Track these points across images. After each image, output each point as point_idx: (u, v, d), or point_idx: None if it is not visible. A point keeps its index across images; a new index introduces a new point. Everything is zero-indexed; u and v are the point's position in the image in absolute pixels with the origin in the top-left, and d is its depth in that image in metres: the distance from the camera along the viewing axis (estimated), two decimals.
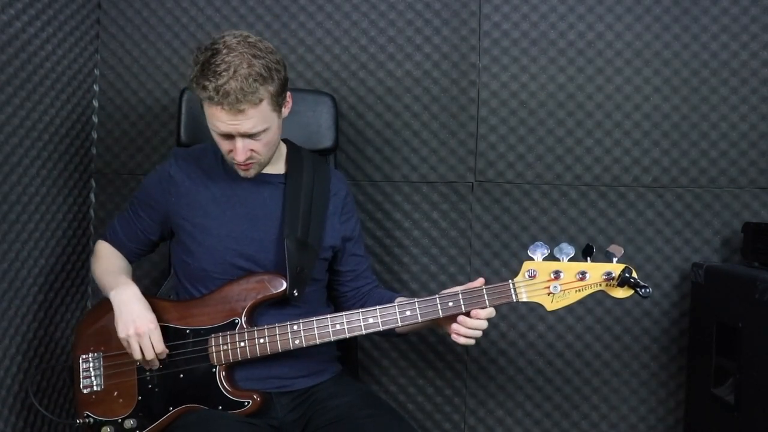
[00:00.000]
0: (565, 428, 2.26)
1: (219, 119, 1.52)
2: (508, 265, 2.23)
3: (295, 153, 1.76)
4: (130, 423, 1.58)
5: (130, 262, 1.80)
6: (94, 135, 2.26)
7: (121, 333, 1.56)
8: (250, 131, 1.54)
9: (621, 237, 2.21)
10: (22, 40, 1.81)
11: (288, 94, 1.61)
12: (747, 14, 2.16)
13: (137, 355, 1.56)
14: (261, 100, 1.51)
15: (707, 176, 2.20)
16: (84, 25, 2.16)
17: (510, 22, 2.20)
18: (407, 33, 2.22)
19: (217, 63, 1.48)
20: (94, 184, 2.27)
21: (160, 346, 1.57)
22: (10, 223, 1.80)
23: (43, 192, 1.94)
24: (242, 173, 1.64)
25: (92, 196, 2.26)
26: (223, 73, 1.47)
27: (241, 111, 1.50)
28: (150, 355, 1.56)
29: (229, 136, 1.56)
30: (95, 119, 2.26)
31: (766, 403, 1.75)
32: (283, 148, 1.76)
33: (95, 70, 2.25)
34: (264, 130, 1.56)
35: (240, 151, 1.56)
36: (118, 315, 1.58)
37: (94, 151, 2.26)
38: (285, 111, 1.63)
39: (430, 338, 2.25)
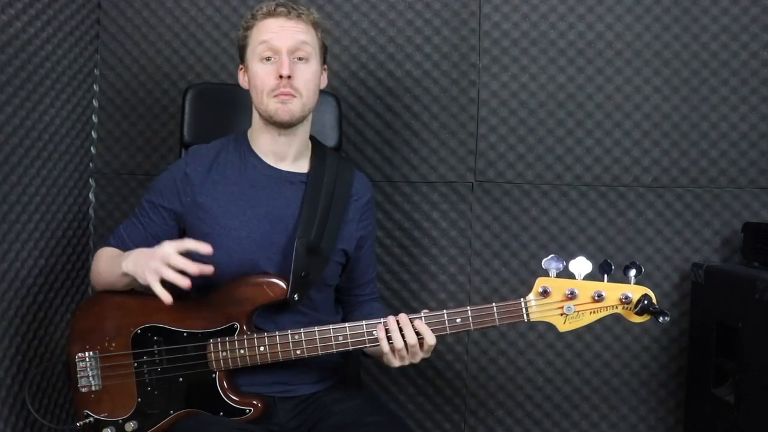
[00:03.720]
0: (565, 428, 2.26)
1: (270, 30, 1.56)
2: (508, 265, 2.23)
3: (320, 152, 1.71)
4: (131, 425, 1.54)
5: None
6: (94, 135, 2.26)
7: (143, 273, 1.45)
8: (298, 44, 1.57)
9: (621, 237, 2.21)
10: (22, 40, 1.81)
11: (326, 67, 1.69)
12: (747, 14, 2.16)
13: (173, 277, 1.41)
14: (314, 23, 1.61)
15: (707, 176, 2.20)
16: (84, 25, 2.15)
17: (510, 22, 2.20)
18: (407, 33, 2.22)
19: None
20: (93, 184, 2.26)
21: (190, 245, 1.45)
22: (10, 223, 1.79)
23: (42, 192, 1.94)
24: (281, 111, 1.57)
25: (92, 196, 2.26)
26: (275, 1, 1.60)
27: (297, 18, 1.57)
28: (182, 264, 1.41)
29: (274, 58, 1.56)
30: (95, 119, 2.26)
31: (766, 403, 1.75)
32: (309, 145, 1.71)
33: (95, 70, 2.25)
34: (309, 56, 1.59)
35: (286, 64, 1.54)
36: (135, 269, 1.48)
37: (93, 151, 2.26)
38: (324, 77, 1.67)
39: None
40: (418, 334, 1.46)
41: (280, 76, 1.55)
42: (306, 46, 1.58)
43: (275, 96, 1.56)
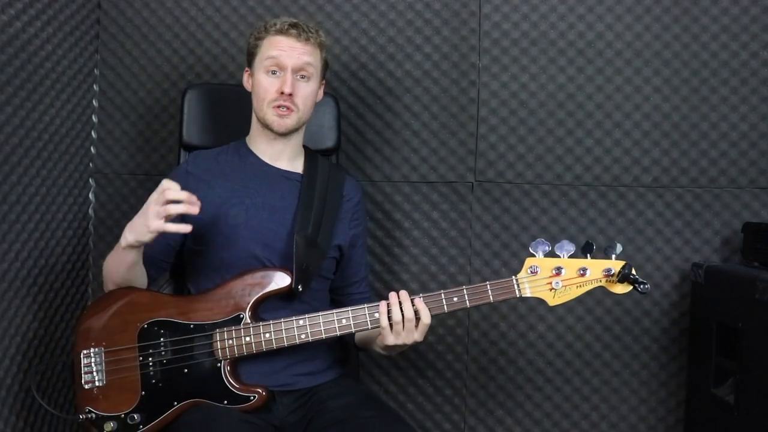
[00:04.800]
0: (565, 428, 2.26)
1: (279, 47, 1.67)
2: (509, 265, 2.23)
3: (312, 157, 1.81)
4: (133, 418, 1.56)
5: (150, 277, 1.69)
6: (94, 135, 2.26)
7: (146, 225, 1.49)
8: (303, 65, 1.67)
9: (621, 237, 2.21)
10: (22, 40, 1.81)
11: (324, 81, 1.79)
12: (747, 14, 2.16)
13: (175, 210, 1.48)
14: (321, 46, 1.72)
15: (707, 176, 2.20)
16: (84, 25, 2.15)
17: (510, 22, 2.20)
18: (407, 33, 2.22)
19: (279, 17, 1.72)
20: (93, 184, 2.27)
21: (172, 184, 1.51)
22: (10, 223, 1.80)
23: (43, 192, 1.94)
24: (277, 123, 1.68)
25: (92, 196, 2.26)
26: (289, 18, 1.70)
27: (306, 41, 1.68)
28: (175, 195, 1.48)
29: (279, 73, 1.67)
30: (95, 119, 2.26)
31: (766, 403, 1.75)
32: (302, 150, 1.82)
33: (95, 70, 2.25)
34: (311, 75, 1.70)
35: (288, 83, 1.65)
36: (131, 234, 1.53)
37: (93, 151, 2.26)
38: (321, 92, 1.78)
39: (430, 338, 2.25)
40: (416, 311, 1.54)
41: (282, 92, 1.66)
42: (309, 66, 1.69)
43: (274, 107, 1.68)
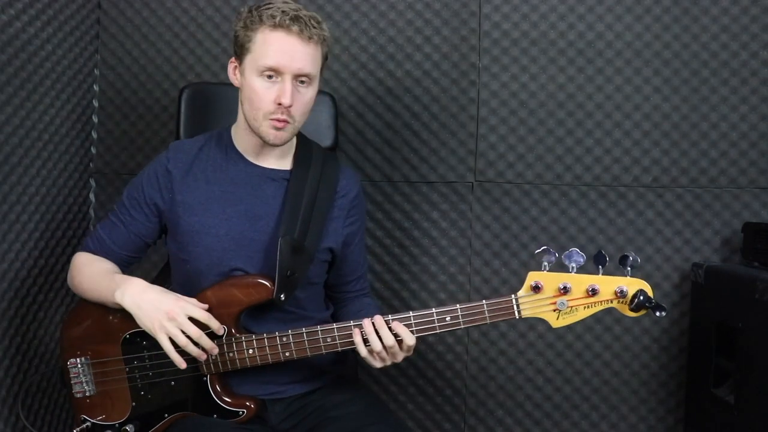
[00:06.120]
0: (565, 428, 2.26)
1: (279, 48, 1.45)
2: (508, 265, 2.23)
3: (304, 148, 1.66)
4: (128, 428, 1.53)
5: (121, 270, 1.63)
6: (94, 135, 2.27)
7: (152, 326, 1.43)
8: (303, 70, 1.47)
9: (621, 237, 2.21)
10: (22, 40, 1.81)
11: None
12: (747, 14, 2.16)
13: (184, 343, 1.42)
14: (323, 40, 1.51)
15: (707, 176, 2.20)
16: (84, 25, 2.16)
17: (510, 22, 2.20)
18: (407, 33, 2.22)
19: (272, 1, 1.48)
20: (93, 184, 2.27)
21: (205, 315, 1.44)
22: (10, 223, 1.80)
23: (42, 192, 1.94)
24: (273, 136, 1.51)
25: (92, 196, 2.26)
26: (287, 7, 1.46)
27: (308, 39, 1.47)
28: (197, 334, 1.42)
29: (275, 78, 1.48)
30: (95, 119, 2.26)
31: (766, 403, 1.75)
32: (294, 142, 1.66)
33: (95, 70, 2.25)
34: (310, 81, 1.51)
35: (288, 93, 1.46)
36: (137, 312, 1.45)
37: (93, 151, 2.26)
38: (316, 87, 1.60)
39: (430, 338, 2.25)
40: (396, 335, 1.44)
41: (280, 104, 1.49)
42: (312, 69, 1.50)
43: (271, 119, 1.51)
